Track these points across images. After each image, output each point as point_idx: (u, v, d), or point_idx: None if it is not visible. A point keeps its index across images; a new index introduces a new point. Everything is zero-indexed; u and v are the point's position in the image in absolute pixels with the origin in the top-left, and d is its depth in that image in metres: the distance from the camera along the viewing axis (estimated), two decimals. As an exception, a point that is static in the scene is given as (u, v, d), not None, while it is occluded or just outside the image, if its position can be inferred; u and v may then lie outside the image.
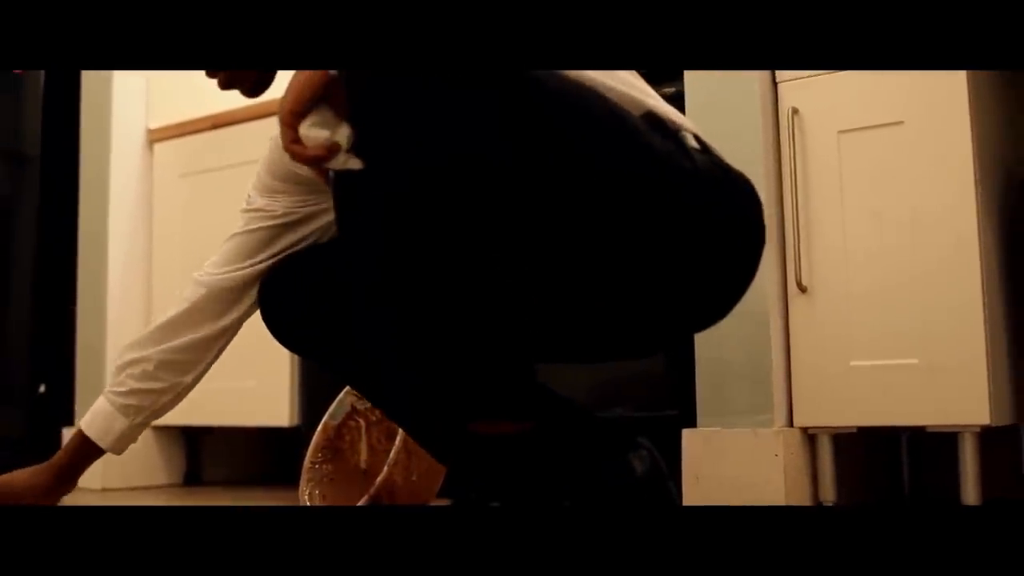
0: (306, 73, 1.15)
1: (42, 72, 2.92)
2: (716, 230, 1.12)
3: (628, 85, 1.14)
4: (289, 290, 1.31)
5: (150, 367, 1.42)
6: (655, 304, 1.13)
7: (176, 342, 1.42)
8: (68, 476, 1.47)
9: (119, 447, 1.46)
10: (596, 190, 1.01)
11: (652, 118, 1.12)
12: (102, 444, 1.44)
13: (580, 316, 1.14)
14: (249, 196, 1.41)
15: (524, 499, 1.24)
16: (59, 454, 1.48)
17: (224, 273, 1.40)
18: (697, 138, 1.17)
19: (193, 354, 1.43)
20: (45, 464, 1.47)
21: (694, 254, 1.11)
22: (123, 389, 1.43)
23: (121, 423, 1.44)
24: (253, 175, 1.45)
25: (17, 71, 2.96)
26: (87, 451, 1.46)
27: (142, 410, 1.44)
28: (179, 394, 1.46)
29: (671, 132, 1.13)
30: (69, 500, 1.50)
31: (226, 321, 1.42)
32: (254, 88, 1.28)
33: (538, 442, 1.21)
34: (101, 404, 1.45)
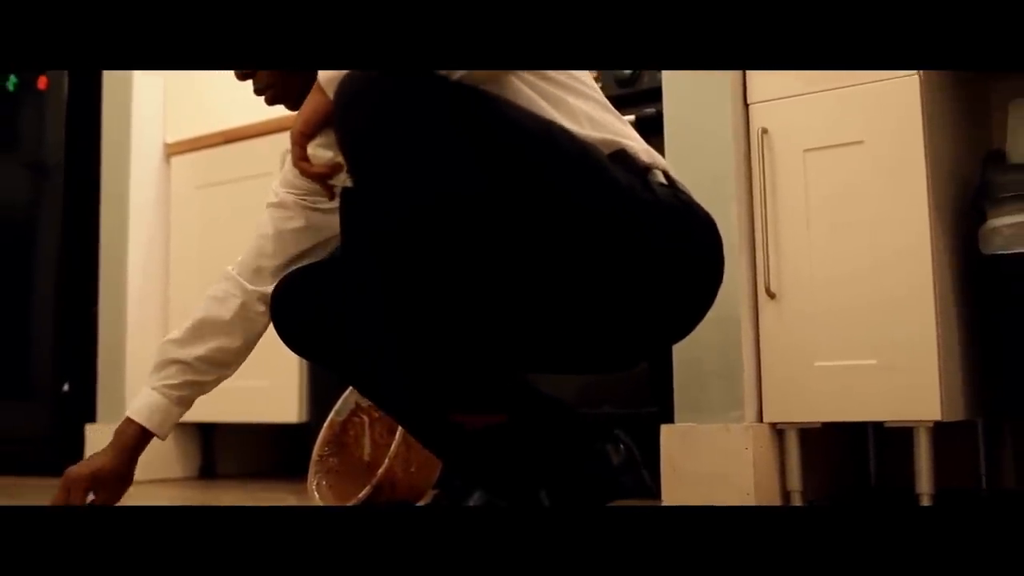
0: (315, 100, 1.27)
1: (65, 87, 3.01)
2: (673, 256, 1.21)
3: (613, 132, 1.25)
4: (299, 302, 1.40)
5: (200, 364, 1.55)
6: (616, 324, 1.22)
7: (219, 344, 1.54)
8: (134, 462, 1.57)
9: (168, 434, 1.59)
10: (560, 214, 1.12)
11: (622, 155, 1.23)
12: (159, 434, 1.55)
13: (547, 332, 1.23)
14: (274, 189, 1.53)
15: (505, 487, 1.33)
16: (122, 443, 1.54)
17: (257, 286, 1.52)
18: (667, 175, 1.28)
19: (235, 356, 1.57)
20: (115, 451, 1.54)
21: (652, 278, 1.19)
22: (175, 382, 1.55)
23: (176, 413, 1.56)
24: (264, 185, 1.53)
25: (41, 87, 3.08)
26: (143, 440, 1.56)
27: (191, 400, 1.58)
28: (221, 381, 1.60)
29: (639, 169, 1.24)
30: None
31: (262, 325, 1.55)
32: (296, 102, 1.36)
33: (518, 433, 1.29)
34: (155, 399, 1.55)
